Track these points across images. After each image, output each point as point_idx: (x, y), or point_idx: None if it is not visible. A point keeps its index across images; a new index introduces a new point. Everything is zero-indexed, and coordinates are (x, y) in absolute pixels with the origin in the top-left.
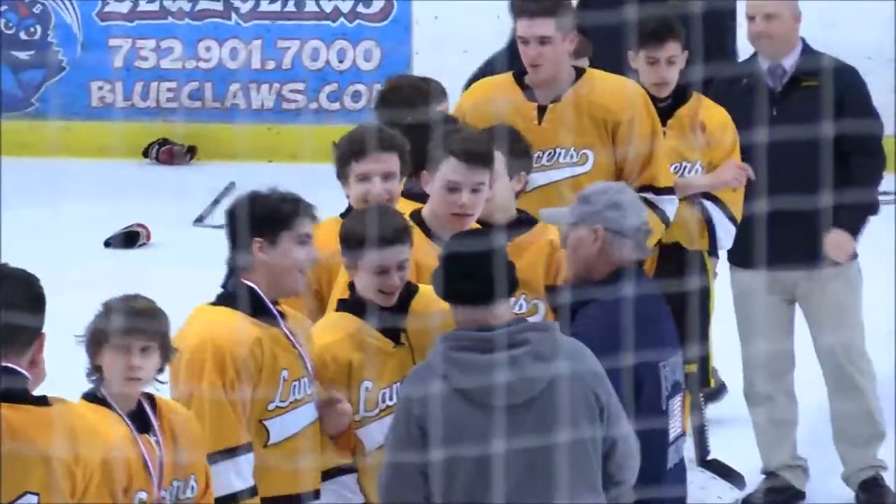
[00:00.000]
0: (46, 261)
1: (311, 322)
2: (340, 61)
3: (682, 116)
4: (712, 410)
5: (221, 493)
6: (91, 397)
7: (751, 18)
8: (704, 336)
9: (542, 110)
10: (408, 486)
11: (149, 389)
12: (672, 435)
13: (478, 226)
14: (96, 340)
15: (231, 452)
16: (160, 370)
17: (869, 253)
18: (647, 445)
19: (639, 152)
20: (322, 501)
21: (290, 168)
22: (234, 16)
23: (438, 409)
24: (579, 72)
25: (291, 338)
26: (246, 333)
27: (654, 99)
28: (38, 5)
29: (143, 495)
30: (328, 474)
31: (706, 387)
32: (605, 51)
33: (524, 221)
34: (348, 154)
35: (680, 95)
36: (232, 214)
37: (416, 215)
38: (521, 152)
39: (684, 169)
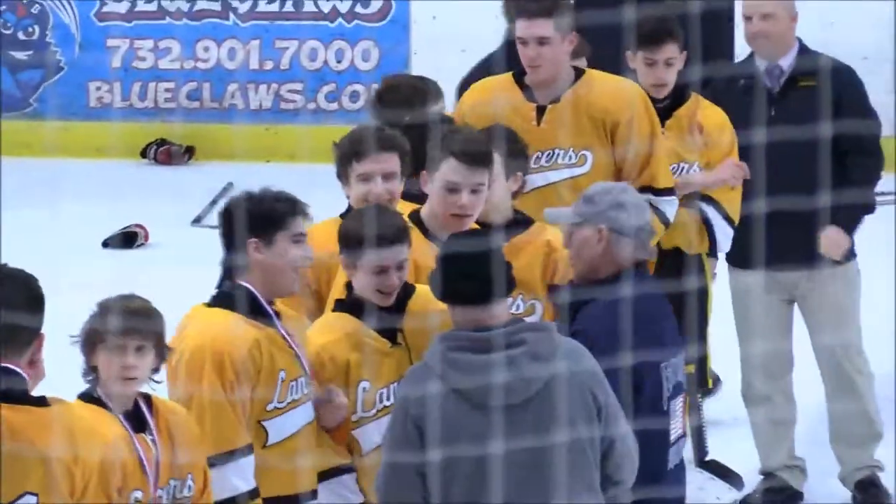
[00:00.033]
0: (44, 261)
1: (309, 321)
2: (338, 61)
3: (680, 117)
4: (711, 411)
5: (225, 495)
6: (87, 397)
7: (748, 19)
8: (702, 337)
9: (541, 111)
10: (405, 487)
11: (144, 389)
12: (673, 436)
13: (476, 226)
14: (91, 341)
15: (233, 455)
16: (156, 370)
17: (869, 253)
18: (648, 446)
19: (638, 153)
20: (322, 501)
21: (288, 168)
22: (232, 16)
23: (436, 409)
24: (579, 72)
25: (288, 338)
26: (244, 335)
27: (651, 100)
28: (37, 5)
29: (138, 494)
30: (327, 474)
31: (704, 387)
32: (603, 51)
33: (521, 222)
34: (349, 154)
35: (678, 96)
36: (226, 216)
37: (414, 216)
38: (517, 153)
39: (682, 170)
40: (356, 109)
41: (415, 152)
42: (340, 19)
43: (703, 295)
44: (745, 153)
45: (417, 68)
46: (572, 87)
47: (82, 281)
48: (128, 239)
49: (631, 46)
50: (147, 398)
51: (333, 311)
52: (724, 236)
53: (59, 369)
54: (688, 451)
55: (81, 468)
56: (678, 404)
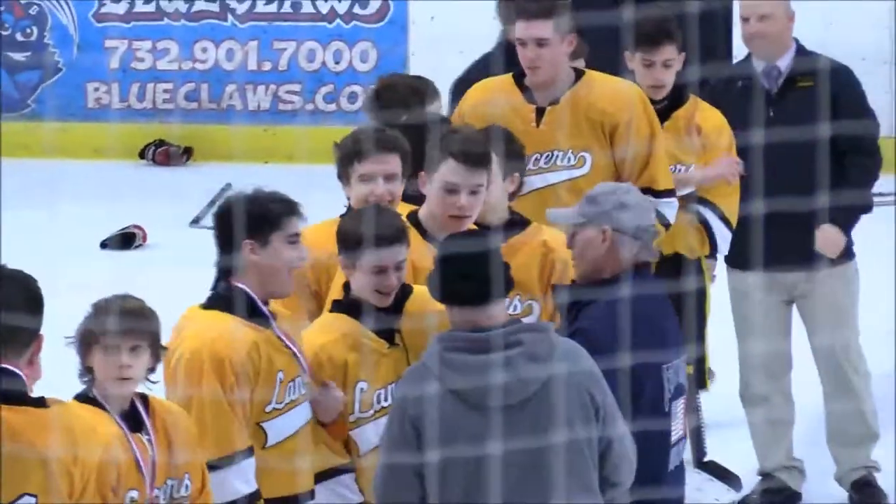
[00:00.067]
0: (43, 262)
1: (308, 322)
2: (337, 62)
3: (678, 119)
4: (709, 412)
5: (227, 498)
6: (83, 398)
7: (745, 20)
8: (701, 338)
9: (540, 112)
10: (402, 487)
11: (141, 389)
12: (674, 437)
13: (475, 227)
14: (86, 342)
15: (235, 458)
16: (151, 370)
17: (868, 253)
18: (649, 447)
19: (637, 154)
20: (321, 501)
21: (287, 169)
22: (230, 17)
23: (433, 409)
24: (579, 73)
25: (284, 338)
26: (243, 338)
27: (649, 101)
28: (35, 6)
29: (134, 494)
30: (327, 474)
31: (702, 388)
32: (601, 52)
33: (517, 223)
34: (351, 154)
35: (676, 98)
36: (221, 217)
37: (412, 217)
38: (514, 154)
39: (678, 172)
40: (354, 110)
41: (412, 153)
42: (339, 20)
43: (701, 296)
44: (743, 154)
45: (416, 69)
46: (572, 88)
47: (81, 282)
48: (126, 240)
49: (629, 47)
50: (144, 398)
51: (331, 311)
52: (722, 239)
53: (58, 371)
54: (686, 452)
55: (81, 469)
56: (679, 406)
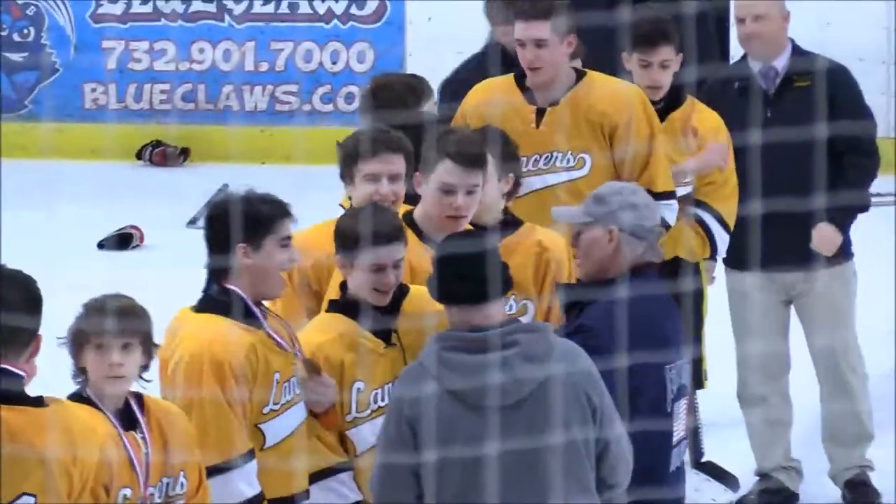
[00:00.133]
0: (40, 263)
1: (307, 321)
2: (334, 63)
3: (675, 120)
4: (707, 412)
5: (233, 501)
6: (77, 398)
7: (740, 21)
8: (698, 338)
9: (540, 113)
10: (399, 487)
11: (135, 388)
12: (676, 438)
13: (471, 227)
14: (78, 342)
15: (238, 461)
16: (144, 367)
17: (868, 253)
18: (651, 448)
19: (636, 155)
20: (320, 500)
21: (284, 170)
22: (227, 17)
23: (430, 409)
24: (580, 74)
25: (275, 336)
26: (240, 341)
27: None
28: (32, 7)
29: (126, 492)
30: (324, 473)
31: (700, 388)
32: (599, 53)
33: (511, 223)
34: (355, 154)
35: (673, 99)
36: (213, 221)
37: (407, 217)
38: (509, 154)
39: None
40: (351, 111)
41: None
42: (336, 21)
43: (699, 297)
44: (741, 155)
45: (413, 70)
46: (572, 89)
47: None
48: (123, 240)
49: (626, 48)
50: (138, 397)
51: (327, 311)
52: (721, 242)
53: (56, 371)
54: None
55: (80, 468)
56: (682, 407)
